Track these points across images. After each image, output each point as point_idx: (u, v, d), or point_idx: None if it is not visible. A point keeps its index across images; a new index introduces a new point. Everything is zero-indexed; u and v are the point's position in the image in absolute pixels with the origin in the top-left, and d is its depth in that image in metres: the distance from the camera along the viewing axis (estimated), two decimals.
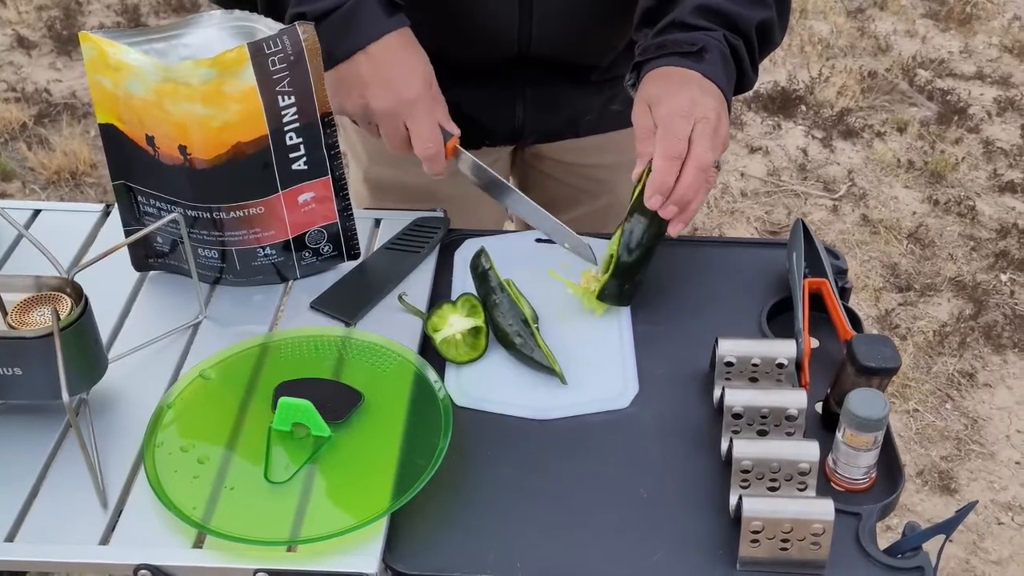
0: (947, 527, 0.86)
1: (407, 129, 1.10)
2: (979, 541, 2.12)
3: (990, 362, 2.55)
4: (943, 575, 2.03)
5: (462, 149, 1.13)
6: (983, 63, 3.86)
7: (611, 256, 1.08)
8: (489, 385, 1.02)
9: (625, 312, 1.11)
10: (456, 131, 1.12)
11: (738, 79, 1.10)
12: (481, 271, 1.08)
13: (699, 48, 1.06)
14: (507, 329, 1.04)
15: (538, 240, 1.21)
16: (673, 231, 1.05)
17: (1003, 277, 2.81)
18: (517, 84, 1.30)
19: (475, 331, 1.05)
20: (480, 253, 1.09)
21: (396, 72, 1.08)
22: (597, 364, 1.05)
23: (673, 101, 1.03)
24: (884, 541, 0.89)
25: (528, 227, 1.22)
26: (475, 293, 1.08)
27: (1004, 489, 2.24)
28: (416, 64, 1.10)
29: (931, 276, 2.81)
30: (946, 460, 2.29)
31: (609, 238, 1.13)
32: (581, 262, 1.16)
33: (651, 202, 1.02)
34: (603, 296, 1.10)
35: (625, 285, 1.09)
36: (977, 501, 0.89)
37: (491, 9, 1.20)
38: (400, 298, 1.10)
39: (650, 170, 1.03)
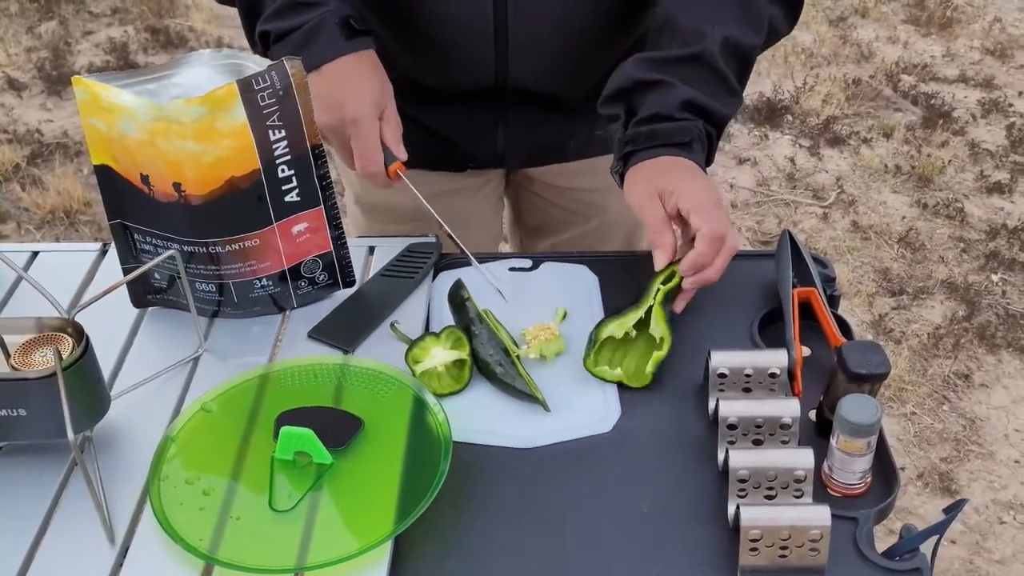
0: (940, 527, 0.88)
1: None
2: (982, 541, 2.13)
3: (985, 362, 2.57)
4: None
5: (403, 176, 1.15)
6: (966, 66, 3.90)
7: (661, 338, 1.06)
8: (474, 416, 1.02)
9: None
10: (402, 156, 1.15)
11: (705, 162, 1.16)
12: (459, 302, 1.09)
13: (689, 140, 1.10)
14: (488, 359, 1.04)
15: (511, 269, 1.22)
16: (678, 307, 1.10)
17: (994, 277, 2.83)
18: (498, 110, 1.31)
19: (459, 363, 1.05)
20: (458, 285, 1.10)
21: (343, 91, 1.12)
22: (578, 389, 1.05)
23: (698, 193, 1.06)
24: (887, 545, 0.90)
25: (510, 254, 1.23)
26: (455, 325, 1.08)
27: (1005, 488, 2.25)
28: (365, 85, 1.13)
29: (923, 279, 2.83)
30: (946, 462, 2.31)
31: (597, 262, 1.14)
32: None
33: (687, 281, 1.06)
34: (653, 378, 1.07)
35: None
36: (967, 500, 0.90)
37: (465, 42, 1.22)
38: (392, 326, 1.12)
39: (676, 262, 1.07)
